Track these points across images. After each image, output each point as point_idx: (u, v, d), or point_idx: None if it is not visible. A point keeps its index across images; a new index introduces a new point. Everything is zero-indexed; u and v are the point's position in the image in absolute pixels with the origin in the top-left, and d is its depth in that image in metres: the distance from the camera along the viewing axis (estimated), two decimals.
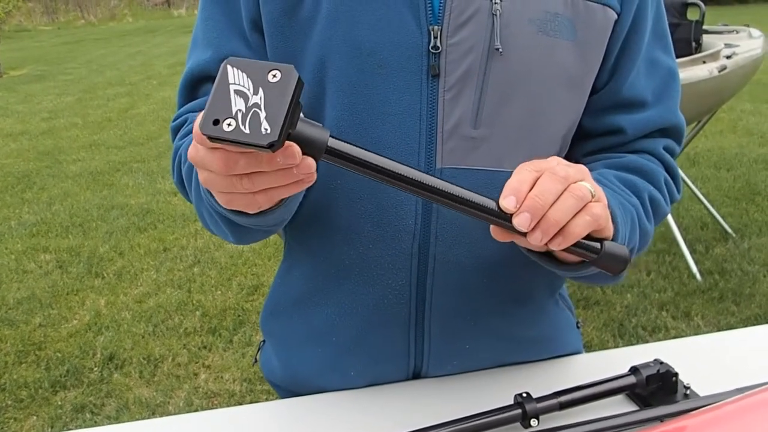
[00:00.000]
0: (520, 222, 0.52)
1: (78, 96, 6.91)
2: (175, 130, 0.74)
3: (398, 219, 0.68)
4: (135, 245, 3.16)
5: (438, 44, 0.64)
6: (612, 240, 0.59)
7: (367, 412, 0.74)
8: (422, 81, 0.65)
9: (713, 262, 2.74)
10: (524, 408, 0.68)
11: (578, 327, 0.87)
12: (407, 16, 0.64)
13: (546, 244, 0.54)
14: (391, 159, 0.51)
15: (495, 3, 0.63)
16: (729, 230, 2.97)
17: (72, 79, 8.00)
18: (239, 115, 0.44)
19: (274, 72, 0.45)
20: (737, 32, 2.92)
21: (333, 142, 0.49)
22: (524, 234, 0.53)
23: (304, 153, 0.47)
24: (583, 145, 0.76)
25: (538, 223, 0.53)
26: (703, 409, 0.64)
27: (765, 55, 2.75)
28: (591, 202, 0.55)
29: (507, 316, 0.75)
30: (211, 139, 0.44)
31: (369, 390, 0.78)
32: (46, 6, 17.55)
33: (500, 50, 0.64)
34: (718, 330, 2.23)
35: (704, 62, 2.36)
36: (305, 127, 0.47)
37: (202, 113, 0.45)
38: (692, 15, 2.90)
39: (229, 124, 0.44)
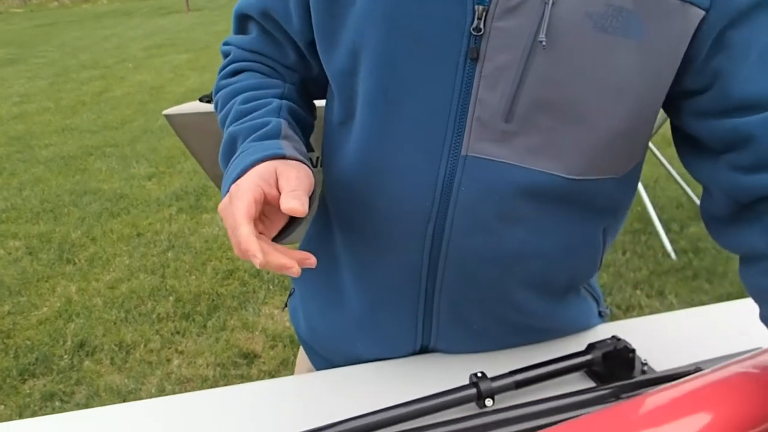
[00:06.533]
0: None
1: (51, 80, 6.77)
2: (225, 55, 0.79)
3: (415, 199, 0.65)
4: (108, 231, 3.11)
5: (481, 26, 0.58)
6: None
7: (329, 393, 0.73)
8: (459, 62, 0.60)
9: (688, 241, 2.76)
10: (479, 388, 0.66)
11: (601, 315, 0.84)
12: None
13: None
14: None
15: None
16: None
17: (44, 62, 7.83)
18: None
19: None
20: None
21: None
22: None
23: None
24: (716, 174, 0.63)
25: None
26: (659, 387, 0.63)
27: None
28: None
29: (518, 307, 0.73)
30: None
31: (340, 370, 0.78)
32: None
33: (543, 44, 0.57)
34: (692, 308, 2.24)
35: None
36: None
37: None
38: None
39: None
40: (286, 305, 0.92)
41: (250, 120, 0.68)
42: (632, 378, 0.69)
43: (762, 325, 0.62)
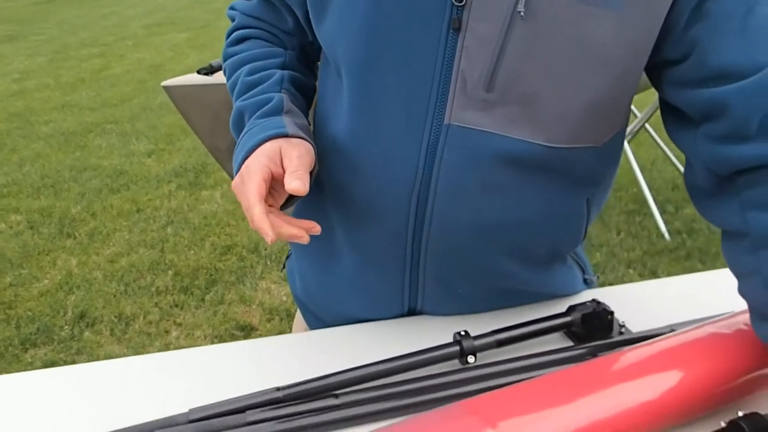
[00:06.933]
0: None
1: (50, 57, 6.75)
2: (231, 19, 0.83)
3: (400, 167, 0.68)
4: (108, 206, 3.14)
5: None
6: None
7: (320, 351, 0.76)
8: (442, 33, 0.62)
9: (682, 222, 2.78)
10: (462, 345, 0.69)
11: (586, 283, 0.87)
12: None
13: None
14: None
15: None
16: None
17: (44, 39, 7.80)
18: None
19: None
20: None
21: None
22: None
23: None
24: (695, 146, 0.64)
25: None
26: (634, 345, 0.66)
27: None
28: None
29: (502, 274, 0.75)
30: None
31: (331, 330, 0.81)
32: None
33: (522, 14, 0.59)
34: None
35: None
36: None
37: None
38: None
39: None
40: (284, 267, 0.96)
41: (254, 95, 0.74)
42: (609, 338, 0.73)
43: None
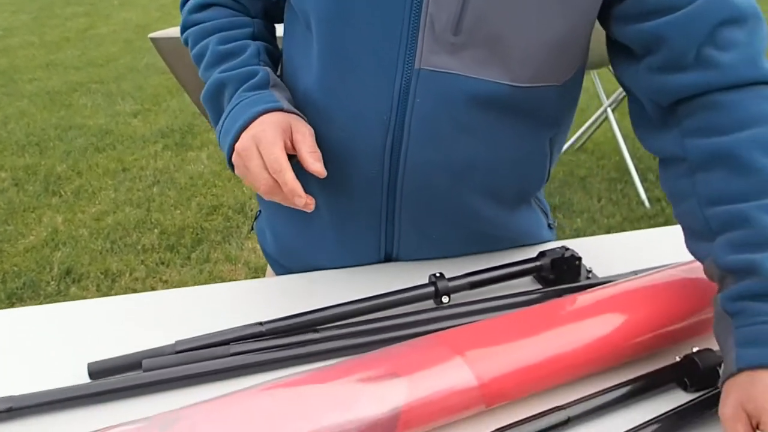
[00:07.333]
0: None
1: (34, 14, 6.63)
2: None
3: (373, 113, 0.70)
4: (93, 165, 3.13)
5: None
6: None
7: (295, 293, 0.79)
8: None
9: (662, 191, 2.83)
10: (437, 286, 0.73)
11: (550, 227, 0.91)
12: None
13: None
14: None
15: None
16: None
17: None
18: None
19: None
20: None
21: None
22: None
23: None
24: (638, 79, 0.68)
25: None
26: (598, 286, 0.70)
27: None
28: None
29: (474, 215, 0.79)
30: None
31: (307, 274, 0.83)
32: None
33: None
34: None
35: None
36: None
37: None
38: None
39: None
40: (252, 228, 0.98)
41: (235, 67, 0.75)
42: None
43: None
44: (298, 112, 0.72)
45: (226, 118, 0.72)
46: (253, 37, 0.79)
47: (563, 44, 0.68)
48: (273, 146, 0.65)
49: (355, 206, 0.78)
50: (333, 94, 0.72)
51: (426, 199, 0.75)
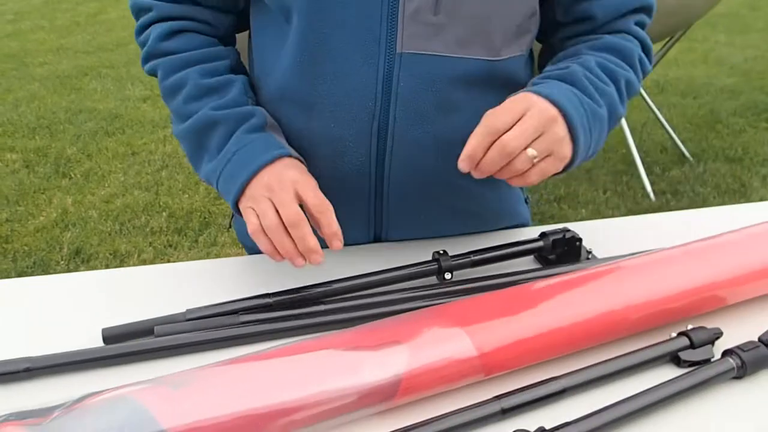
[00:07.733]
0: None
1: None
2: (146, 9, 0.78)
3: (359, 100, 0.72)
4: (103, 148, 3.16)
5: None
6: (571, 159, 0.67)
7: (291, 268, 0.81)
8: None
9: (668, 184, 2.84)
10: (440, 263, 0.75)
11: (527, 202, 0.94)
12: None
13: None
14: None
15: None
16: (687, 154, 3.06)
17: None
18: None
19: None
20: None
21: None
22: None
23: None
24: (557, 34, 0.80)
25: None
26: (597, 266, 0.71)
27: None
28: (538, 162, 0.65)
29: (458, 193, 0.81)
30: None
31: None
32: None
33: None
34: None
35: None
36: None
37: None
38: None
39: None
40: (230, 226, 0.97)
41: (227, 106, 0.74)
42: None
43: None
44: (298, 155, 0.72)
45: (228, 162, 0.71)
46: (233, 70, 0.78)
47: (531, 15, 0.73)
48: (293, 203, 0.66)
49: (344, 192, 0.78)
50: (315, 84, 0.72)
51: (413, 179, 0.77)
